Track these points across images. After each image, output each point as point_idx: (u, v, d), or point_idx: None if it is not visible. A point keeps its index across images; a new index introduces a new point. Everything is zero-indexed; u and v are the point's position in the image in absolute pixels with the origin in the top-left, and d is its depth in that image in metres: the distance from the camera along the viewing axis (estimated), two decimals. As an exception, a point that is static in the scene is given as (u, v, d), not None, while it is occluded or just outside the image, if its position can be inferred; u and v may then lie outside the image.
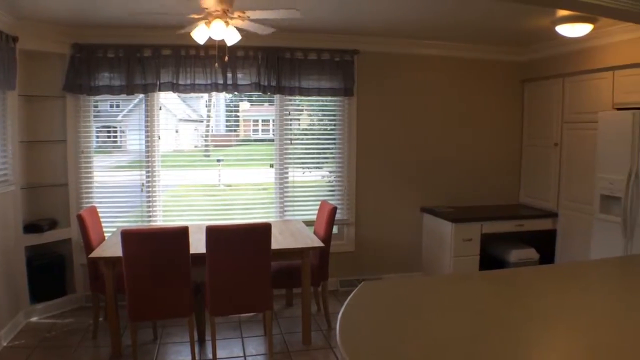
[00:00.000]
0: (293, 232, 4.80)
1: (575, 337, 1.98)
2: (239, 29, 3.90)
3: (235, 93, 5.44)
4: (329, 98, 5.66)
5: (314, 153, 5.78)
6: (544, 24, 4.75)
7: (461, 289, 2.54)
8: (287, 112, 5.59)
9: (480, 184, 6.20)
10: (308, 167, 5.82)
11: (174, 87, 5.14)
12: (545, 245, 5.77)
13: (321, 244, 4.42)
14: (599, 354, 1.82)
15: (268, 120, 5.61)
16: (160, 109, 5.30)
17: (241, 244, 3.92)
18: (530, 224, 5.66)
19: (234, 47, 4.79)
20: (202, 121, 5.74)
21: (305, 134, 5.77)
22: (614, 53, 4.88)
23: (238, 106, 5.67)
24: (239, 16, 3.83)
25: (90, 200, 5.22)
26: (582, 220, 5.28)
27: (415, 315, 2.13)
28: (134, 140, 5.34)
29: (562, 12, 4.34)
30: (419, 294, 2.42)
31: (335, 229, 5.57)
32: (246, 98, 5.65)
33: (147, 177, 5.31)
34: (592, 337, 1.96)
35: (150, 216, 5.34)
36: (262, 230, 3.97)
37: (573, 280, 2.72)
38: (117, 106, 5.32)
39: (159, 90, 5.16)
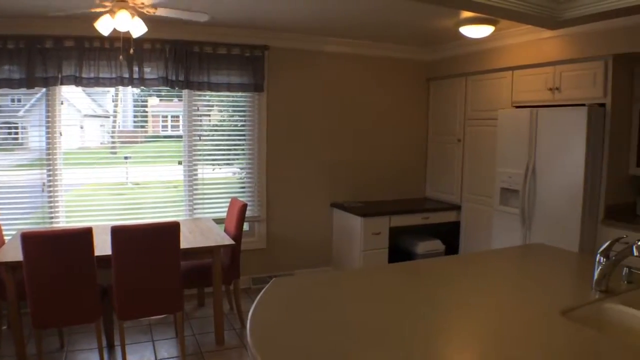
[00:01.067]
0: (203, 230, 4.69)
1: (479, 322, 2.08)
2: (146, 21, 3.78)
3: (142, 88, 5.23)
4: (240, 94, 5.58)
5: (224, 149, 5.69)
6: (449, 25, 4.96)
7: (371, 281, 2.58)
8: (196, 108, 5.45)
9: (388, 179, 6.39)
10: (218, 164, 5.71)
11: (77, 81, 4.86)
12: (450, 237, 6.03)
13: (232, 242, 4.35)
14: (501, 336, 1.93)
15: (178, 116, 5.44)
16: (62, 103, 5.00)
17: (148, 244, 3.78)
18: (435, 216, 5.90)
19: (141, 40, 4.63)
20: (108, 117, 5.46)
21: (216, 130, 5.66)
22: (513, 54, 5.19)
23: (146, 101, 5.46)
24: (147, 10, 3.72)
25: (-12, 202, 4.85)
26: (483, 212, 5.57)
27: (326, 309, 2.13)
28: (35, 137, 4.99)
29: (466, 14, 4.55)
30: (330, 288, 2.43)
31: (246, 226, 5.52)
32: (155, 93, 5.44)
33: (49, 176, 4.98)
34: (495, 321, 2.08)
35: (52, 218, 5.02)
36: (170, 229, 3.84)
37: (476, 268, 2.86)
38: (19, 101, 4.95)
39: (61, 83, 4.84)
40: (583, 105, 4.40)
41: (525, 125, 4.83)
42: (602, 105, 4.44)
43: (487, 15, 4.21)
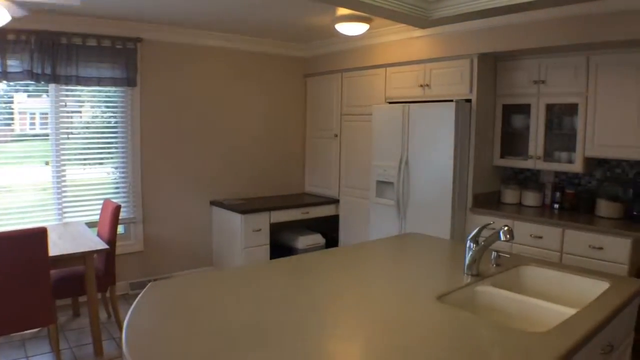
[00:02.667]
0: (74, 235, 4.35)
1: (360, 313, 2.12)
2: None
3: (6, 82, 4.76)
4: (112, 89, 5.27)
5: (95, 148, 5.32)
6: (325, 22, 5.03)
7: (250, 280, 2.53)
8: (64, 104, 5.08)
9: (268, 175, 6.38)
10: (89, 164, 5.34)
11: None
12: (330, 230, 6.14)
13: (105, 246, 4.08)
14: (383, 325, 1.99)
15: (47, 113, 5.01)
16: None
17: (13, 253, 3.44)
18: (315, 211, 5.97)
19: (4, 30, 4.25)
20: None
21: (87, 128, 5.27)
22: (386, 52, 5.37)
23: (12, 98, 4.96)
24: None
25: None
26: (361, 205, 5.73)
27: (205, 312, 2.06)
28: None
29: (342, 12, 4.64)
30: (208, 290, 2.34)
31: (122, 229, 5.27)
32: (22, 88, 4.97)
33: None
34: (375, 311, 2.13)
35: None
36: (37, 236, 3.52)
37: (354, 260, 2.91)
38: None
39: None
40: (451, 100, 4.65)
41: (398, 120, 5.01)
42: (469, 100, 4.72)
43: (362, 12, 4.32)
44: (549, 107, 4.66)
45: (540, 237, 4.31)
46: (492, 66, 4.87)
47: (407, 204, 5.00)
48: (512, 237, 2.39)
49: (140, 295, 2.20)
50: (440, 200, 4.74)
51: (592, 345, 1.93)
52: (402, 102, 5.13)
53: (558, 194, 4.85)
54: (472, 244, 2.55)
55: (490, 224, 2.79)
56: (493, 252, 2.75)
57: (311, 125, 6.54)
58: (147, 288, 2.29)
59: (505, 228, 2.40)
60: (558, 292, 2.67)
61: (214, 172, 5.95)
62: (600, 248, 4.01)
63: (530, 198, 4.94)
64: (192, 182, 5.81)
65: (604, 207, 4.47)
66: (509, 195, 5.05)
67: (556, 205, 4.84)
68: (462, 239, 4.78)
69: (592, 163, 4.66)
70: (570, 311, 2.16)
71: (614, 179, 4.62)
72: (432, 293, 2.26)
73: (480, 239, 2.58)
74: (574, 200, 4.78)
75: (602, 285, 2.53)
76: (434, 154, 4.76)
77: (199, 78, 5.76)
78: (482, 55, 4.68)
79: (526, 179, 5.18)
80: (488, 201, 4.99)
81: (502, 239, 2.40)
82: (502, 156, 4.99)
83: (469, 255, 2.55)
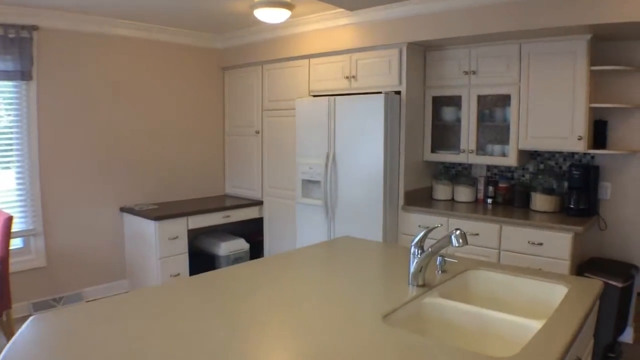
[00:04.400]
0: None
1: (291, 341, 1.73)
2: None
3: None
4: (4, 83, 4.60)
5: (-15, 151, 4.66)
6: (243, 8, 4.61)
7: (158, 306, 2.04)
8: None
9: (185, 177, 5.86)
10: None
11: None
12: (254, 234, 5.74)
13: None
14: (318, 355, 1.61)
15: None
16: None
17: None
18: (237, 214, 5.53)
19: None
20: None
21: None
22: (310, 42, 5.02)
23: None
24: None
25: None
26: (286, 206, 5.36)
27: (104, 351, 1.62)
28: None
29: (260, -5, 4.24)
30: (105, 322, 1.85)
31: (20, 242, 4.67)
32: None
33: None
34: (309, 337, 1.74)
35: None
36: None
37: (281, 273, 2.49)
38: None
39: None
40: (379, 93, 4.36)
41: (323, 114, 4.69)
42: (398, 92, 4.46)
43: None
44: (481, 99, 4.47)
45: (477, 235, 4.11)
46: (421, 56, 4.63)
47: (335, 204, 4.68)
48: (465, 241, 2.07)
49: (18, 332, 1.72)
50: (370, 198, 4.45)
51: (565, 365, 1.64)
52: (327, 95, 4.81)
53: (491, 188, 4.71)
54: (417, 250, 2.22)
55: (437, 226, 2.47)
56: (438, 257, 2.45)
57: (230, 122, 6.07)
58: (29, 322, 1.80)
59: (458, 232, 2.08)
60: (514, 299, 2.42)
61: (124, 175, 5.36)
62: (540, 244, 3.87)
63: (463, 193, 4.77)
64: (100, 187, 5.19)
65: (539, 201, 4.35)
66: (441, 191, 4.85)
67: (489, 200, 4.70)
68: (395, 238, 4.57)
69: (526, 156, 4.52)
70: (533, 324, 1.88)
71: (548, 172, 4.49)
72: (376, 311, 1.91)
73: (426, 244, 2.24)
74: (508, 195, 4.66)
75: (560, 290, 2.31)
76: (362, 150, 4.46)
77: (106, 72, 5.14)
78: (411, 45, 4.43)
79: (458, 174, 4.99)
80: (420, 198, 4.76)
81: (455, 244, 2.07)
82: (433, 150, 4.77)
83: (414, 263, 2.22)
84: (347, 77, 4.75)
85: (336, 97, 4.61)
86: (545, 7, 3.73)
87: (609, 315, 3.72)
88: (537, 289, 2.39)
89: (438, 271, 2.44)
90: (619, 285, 3.71)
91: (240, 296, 2.14)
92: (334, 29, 4.80)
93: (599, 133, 4.19)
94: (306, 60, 5.06)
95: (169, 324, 1.82)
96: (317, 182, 4.81)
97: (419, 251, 2.22)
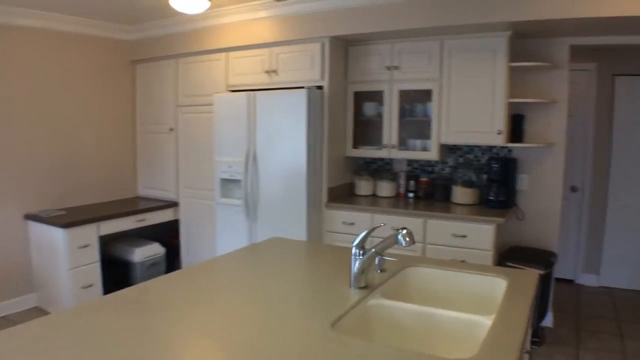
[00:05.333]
0: None
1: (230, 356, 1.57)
2: None
3: None
4: None
5: None
6: (157, -3, 4.34)
7: (71, 335, 1.68)
8: None
9: (94, 179, 5.44)
10: None
11: None
12: (170, 237, 5.46)
13: None
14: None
15: None
16: None
17: None
18: (151, 217, 5.23)
19: None
20: None
21: None
22: (228, 34, 4.82)
23: None
24: None
25: None
26: (204, 207, 5.14)
27: None
28: None
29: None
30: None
31: None
32: None
33: None
34: (249, 351, 1.58)
35: None
36: None
37: (208, 286, 2.23)
38: None
39: None
40: (301, 87, 4.26)
41: (242, 110, 4.52)
42: (320, 87, 4.38)
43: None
44: (403, 94, 4.48)
45: (397, 229, 4.09)
46: (343, 51, 4.57)
47: (257, 203, 4.53)
48: (413, 240, 2.01)
49: None
50: (293, 196, 4.34)
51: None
52: (246, 90, 4.64)
53: (412, 183, 4.74)
54: (358, 251, 2.13)
55: (380, 225, 2.40)
56: (377, 257, 2.37)
57: (142, 119, 5.71)
58: None
59: (405, 231, 2.02)
60: (455, 295, 2.40)
61: (27, 179, 4.87)
62: (464, 236, 3.94)
63: (385, 188, 4.78)
64: (0, 193, 4.73)
65: (460, 194, 4.43)
66: (363, 187, 4.83)
67: (411, 194, 4.74)
68: (319, 237, 4.49)
69: (446, 150, 4.59)
70: (482, 320, 1.86)
71: (468, 165, 4.58)
72: (323, 320, 1.79)
73: (367, 244, 2.16)
74: (429, 188, 4.72)
75: (500, 283, 2.32)
76: (285, 147, 4.34)
77: (6, 65, 4.65)
78: (334, 39, 4.35)
79: (379, 169, 4.99)
80: (342, 194, 4.72)
81: (403, 244, 2.00)
82: (355, 146, 4.73)
83: (356, 264, 2.13)
84: (267, 72, 4.60)
85: (256, 92, 4.45)
86: (467, 4, 3.77)
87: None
88: (477, 283, 2.39)
89: (377, 271, 2.36)
90: (541, 272, 3.82)
91: (167, 317, 1.84)
92: (254, 21, 4.63)
93: (516, 127, 4.31)
94: (224, 54, 4.86)
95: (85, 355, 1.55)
96: (237, 181, 4.64)
97: (361, 252, 2.13)
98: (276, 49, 4.55)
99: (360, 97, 4.70)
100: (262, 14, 4.52)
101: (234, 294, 2.12)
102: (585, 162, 5.56)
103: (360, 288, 2.13)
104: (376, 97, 4.62)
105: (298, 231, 4.32)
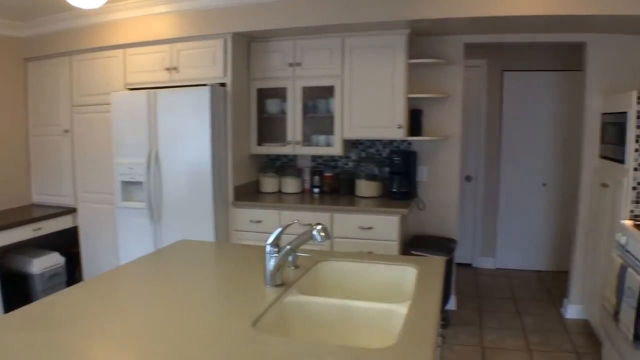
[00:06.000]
0: None
1: None
2: None
3: None
4: None
5: None
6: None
7: None
8: None
9: (-18, 186, 5.07)
10: None
11: None
12: (69, 246, 5.18)
13: None
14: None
15: None
16: None
17: None
18: (48, 225, 4.92)
19: None
20: None
21: None
22: (125, 30, 4.62)
23: None
24: None
25: None
26: (105, 211, 4.92)
27: None
28: None
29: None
30: None
31: None
32: None
33: None
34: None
35: None
36: None
37: (116, 296, 2.10)
38: None
39: None
40: (204, 85, 4.19)
41: (143, 109, 4.38)
42: (223, 85, 4.33)
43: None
44: (306, 90, 4.53)
45: (310, 225, 4.14)
46: (246, 47, 4.54)
47: (161, 205, 4.42)
48: (327, 236, 2.06)
49: None
50: (199, 196, 4.27)
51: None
52: (146, 88, 4.50)
53: (317, 178, 4.81)
54: (273, 249, 2.14)
55: (294, 222, 2.43)
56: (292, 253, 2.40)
57: (35, 121, 5.33)
58: None
59: (319, 227, 2.06)
60: (369, 285, 2.49)
61: None
62: (370, 228, 4.06)
63: (290, 184, 4.82)
64: None
65: (364, 187, 4.56)
66: (268, 184, 4.84)
67: (316, 190, 4.82)
68: (227, 236, 4.45)
69: (349, 145, 4.70)
70: (397, 308, 1.94)
71: (370, 159, 4.72)
72: (244, 320, 1.78)
73: (283, 241, 2.18)
74: (334, 183, 4.81)
75: (410, 271, 2.43)
76: (188, 146, 4.26)
77: None
78: (236, 35, 4.31)
79: (283, 166, 5.02)
80: (248, 192, 4.71)
81: (319, 239, 2.05)
82: (259, 143, 4.72)
83: (272, 262, 2.14)
84: (167, 69, 4.49)
85: (157, 90, 4.33)
86: (366, 3, 3.88)
87: (437, 289, 4.03)
88: (388, 272, 2.48)
89: (291, 267, 2.40)
90: (444, 258, 4.01)
91: (78, 331, 1.72)
92: (153, 16, 4.47)
93: (415, 121, 4.49)
94: (121, 51, 4.67)
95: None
96: (139, 183, 4.48)
97: (276, 249, 2.15)
98: (177, 45, 4.44)
99: (264, 94, 4.70)
100: (162, 8, 4.39)
101: (147, 302, 2.04)
102: (479, 153, 5.90)
103: (277, 285, 2.14)
104: (279, 93, 4.63)
105: (205, 232, 4.25)
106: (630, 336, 3.01)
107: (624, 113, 3.64)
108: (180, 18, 4.39)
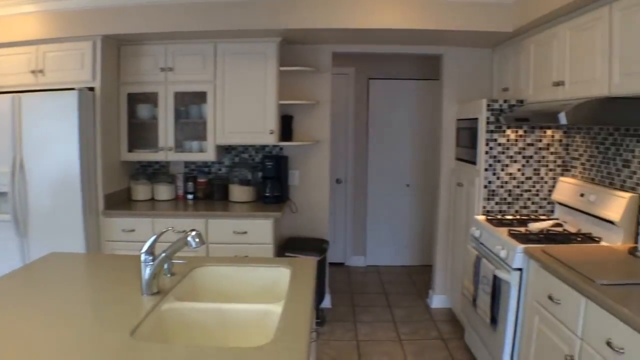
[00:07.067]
0: None
1: None
2: None
3: None
4: None
5: None
6: None
7: None
8: None
9: None
10: None
11: None
12: None
13: None
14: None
15: None
16: None
17: None
18: None
19: None
20: None
21: None
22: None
23: None
24: None
25: None
26: (-40, 224, 4.55)
27: None
28: None
29: None
30: None
31: None
32: None
33: None
34: None
35: None
36: None
37: None
38: None
39: None
40: (72, 89, 4.02)
41: (7, 114, 4.10)
42: (92, 89, 4.18)
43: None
44: (178, 96, 4.50)
45: (184, 232, 4.13)
46: (116, 51, 4.42)
47: (27, 217, 4.17)
48: (202, 241, 2.11)
49: None
50: (67, 207, 4.09)
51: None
52: (10, 92, 4.22)
53: (191, 184, 4.79)
54: (148, 257, 2.14)
55: (168, 229, 2.44)
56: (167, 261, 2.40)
57: None
58: None
59: (194, 233, 2.11)
60: (245, 288, 2.56)
61: None
62: (245, 232, 4.13)
63: (163, 192, 4.75)
64: None
65: (237, 192, 4.62)
66: (141, 192, 4.73)
67: (190, 196, 4.80)
68: (99, 247, 4.30)
69: (222, 150, 4.74)
70: (273, 307, 2.04)
71: (243, 164, 4.79)
72: (122, 330, 1.78)
73: (157, 249, 2.18)
74: (208, 189, 4.82)
75: (284, 272, 2.54)
76: (55, 153, 4.06)
77: None
78: (106, 38, 4.18)
79: (156, 173, 4.93)
80: (120, 201, 4.56)
81: (194, 245, 2.09)
82: (130, 150, 4.61)
83: (147, 271, 2.13)
84: (33, 72, 4.24)
85: (22, 94, 4.09)
86: (238, 11, 3.95)
87: (312, 288, 4.20)
88: (263, 275, 2.56)
89: (167, 275, 2.41)
90: (316, 258, 4.17)
91: None
92: (18, 16, 4.18)
93: (286, 127, 4.64)
94: (-21, 52, 4.37)
95: None
96: (4, 193, 4.20)
97: (150, 258, 2.15)
98: (43, 47, 4.20)
99: (135, 99, 4.58)
100: (28, 8, 4.13)
101: (18, 320, 1.94)
102: (348, 156, 6.17)
103: (153, 294, 2.14)
104: (151, 98, 4.55)
105: (76, 244, 4.06)
106: (488, 319, 3.35)
107: (476, 119, 4.02)
108: (48, 18, 4.17)
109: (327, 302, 4.88)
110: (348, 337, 4.27)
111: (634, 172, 3.12)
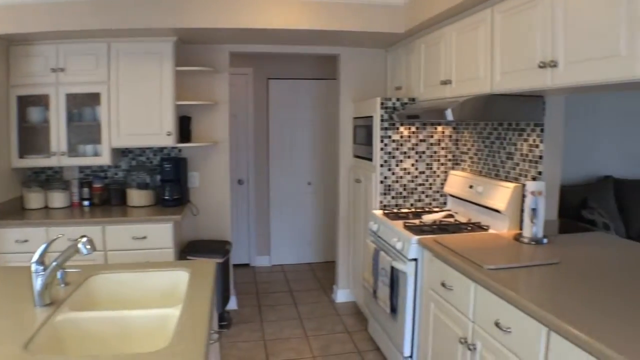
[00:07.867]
0: None
1: None
2: None
3: None
4: None
5: None
6: None
7: None
8: None
9: None
10: None
11: None
12: None
13: None
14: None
15: None
16: None
17: None
18: None
19: None
20: None
21: None
22: None
23: None
24: None
25: None
26: None
27: None
28: None
29: None
30: None
31: None
32: None
33: None
34: None
35: None
36: None
37: None
38: None
39: None
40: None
41: None
42: (-28, 93, 3.92)
43: None
44: (71, 98, 4.29)
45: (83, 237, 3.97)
46: (4, 51, 4.13)
47: None
48: (94, 247, 2.05)
49: None
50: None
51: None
52: None
53: (86, 190, 4.59)
54: (39, 267, 2.04)
55: (59, 236, 2.34)
56: (59, 271, 2.31)
57: None
58: None
59: (85, 239, 2.04)
60: (144, 294, 2.50)
61: None
62: (144, 237, 4.03)
63: (57, 199, 4.50)
64: None
65: (136, 197, 4.50)
66: (33, 200, 4.44)
67: (87, 202, 4.59)
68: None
69: (119, 153, 4.60)
70: (171, 312, 2.03)
71: (141, 168, 4.66)
72: (13, 345, 1.69)
73: (49, 258, 2.09)
74: (104, 194, 4.64)
75: (183, 275, 2.53)
76: None
77: None
78: (-5, 37, 3.93)
79: (49, 179, 4.68)
80: (11, 211, 4.28)
81: (85, 252, 2.02)
82: (21, 156, 4.33)
83: (39, 281, 2.04)
84: None
85: None
86: (131, 9, 3.82)
87: (216, 289, 4.16)
88: (162, 279, 2.52)
89: (61, 285, 2.31)
90: (219, 261, 4.15)
91: None
92: None
93: (184, 128, 4.57)
94: None
95: None
96: None
97: (41, 268, 2.05)
98: None
99: (25, 102, 4.30)
100: None
101: None
102: (249, 156, 6.17)
103: (46, 305, 2.05)
104: (42, 101, 4.29)
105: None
106: (388, 309, 3.48)
107: (371, 117, 4.15)
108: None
109: (233, 304, 4.86)
110: (255, 337, 4.28)
111: (517, 164, 3.35)
